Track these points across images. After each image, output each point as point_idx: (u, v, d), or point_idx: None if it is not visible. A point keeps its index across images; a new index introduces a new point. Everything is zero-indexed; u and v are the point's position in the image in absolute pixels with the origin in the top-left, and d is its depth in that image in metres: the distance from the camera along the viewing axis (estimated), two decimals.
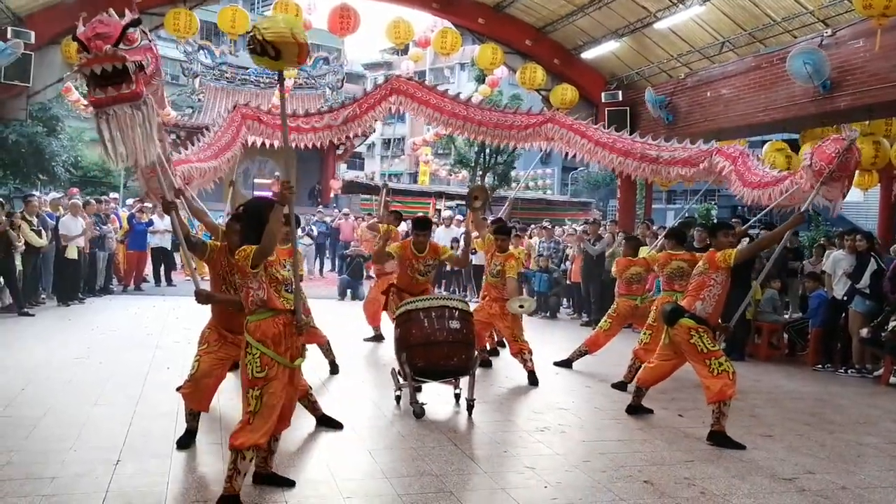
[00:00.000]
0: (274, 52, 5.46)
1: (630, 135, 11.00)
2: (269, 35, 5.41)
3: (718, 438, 6.86)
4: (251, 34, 5.61)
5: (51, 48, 14.93)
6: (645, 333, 9.07)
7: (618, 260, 9.84)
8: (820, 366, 11.09)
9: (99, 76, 5.64)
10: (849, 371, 10.72)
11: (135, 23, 5.86)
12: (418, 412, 7.32)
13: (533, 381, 9.10)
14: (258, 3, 52.02)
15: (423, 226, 9.09)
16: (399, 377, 7.74)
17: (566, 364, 10.22)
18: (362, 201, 29.78)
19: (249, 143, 11.03)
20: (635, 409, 7.88)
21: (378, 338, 11.57)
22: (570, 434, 7.06)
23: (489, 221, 11.26)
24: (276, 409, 4.91)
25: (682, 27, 15.18)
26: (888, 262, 10.81)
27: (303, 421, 7.01)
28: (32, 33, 14.21)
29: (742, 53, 14.66)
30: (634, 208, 20.31)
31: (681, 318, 7.11)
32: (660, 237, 10.62)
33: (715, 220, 22.16)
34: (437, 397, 7.84)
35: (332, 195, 33.57)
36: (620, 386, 9.05)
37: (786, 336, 12.08)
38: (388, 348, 10.50)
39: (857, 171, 8.35)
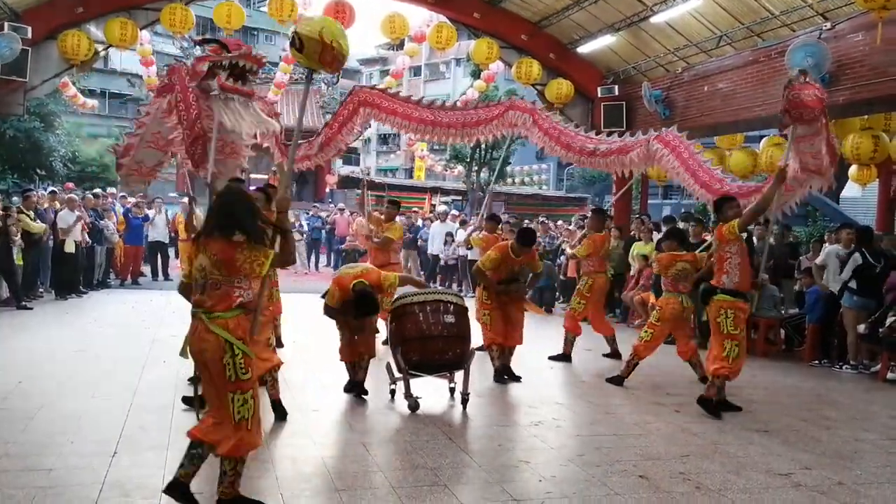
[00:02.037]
0: (299, 43, 6.04)
1: (626, 129, 11.08)
2: (301, 28, 6.08)
3: (705, 404, 7.61)
4: (294, 29, 6.36)
5: (47, 43, 14.88)
6: (647, 332, 9.02)
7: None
8: (817, 361, 11.09)
9: (233, 68, 7.01)
10: (845, 367, 10.71)
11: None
12: (412, 406, 7.32)
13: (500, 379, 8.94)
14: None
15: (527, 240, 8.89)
16: (393, 371, 7.74)
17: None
18: (357, 196, 29.76)
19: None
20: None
21: None
22: (565, 428, 7.06)
23: (483, 217, 11.51)
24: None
25: (679, 21, 15.13)
26: (886, 257, 10.78)
27: (295, 415, 7.01)
28: (29, 28, 14.16)
29: (740, 47, 14.62)
30: (630, 204, 20.27)
31: (714, 296, 7.62)
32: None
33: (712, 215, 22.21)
34: (432, 391, 7.82)
35: (327, 190, 33.54)
36: (616, 381, 9.03)
37: (782, 332, 12.08)
38: (380, 343, 10.48)
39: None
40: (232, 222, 4.51)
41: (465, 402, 7.51)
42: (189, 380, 7.25)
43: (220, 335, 4.46)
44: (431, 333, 7.39)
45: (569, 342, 10.64)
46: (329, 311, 7.65)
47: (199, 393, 4.83)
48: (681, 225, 13.48)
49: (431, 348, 7.41)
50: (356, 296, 7.29)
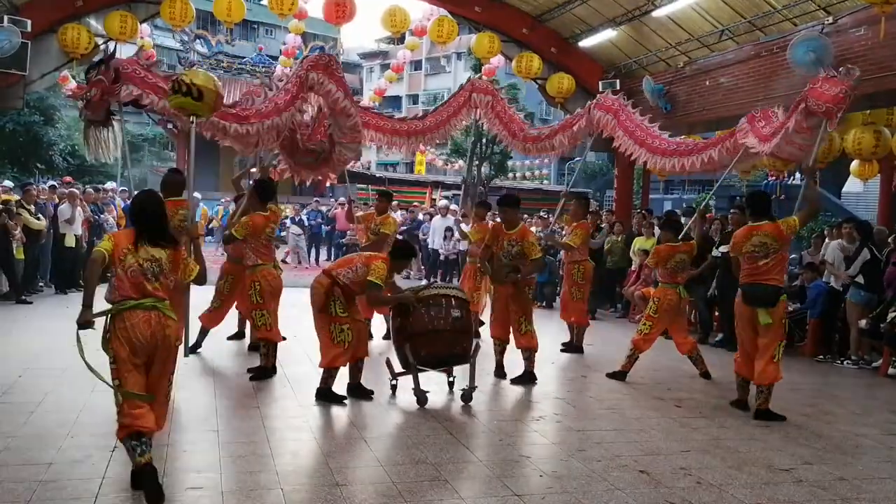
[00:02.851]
0: (198, 93, 7.34)
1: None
2: (196, 80, 7.35)
3: (765, 415, 7.38)
4: (177, 77, 7.51)
5: (47, 36, 14.82)
6: (645, 324, 9.00)
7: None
8: (818, 357, 11.08)
9: None
10: (846, 362, 10.69)
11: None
12: (422, 399, 7.35)
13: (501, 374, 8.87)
14: None
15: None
16: (394, 367, 7.73)
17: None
18: (359, 190, 29.75)
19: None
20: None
21: None
22: (566, 423, 7.05)
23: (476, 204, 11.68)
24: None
25: (681, 15, 15.08)
26: (887, 252, 10.77)
27: (296, 410, 7.01)
28: (29, 22, 14.10)
29: (741, 42, 14.58)
30: (631, 198, 20.24)
31: (781, 297, 7.48)
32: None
33: (713, 211, 22.16)
34: (433, 387, 7.81)
35: (327, 184, 33.45)
36: (618, 376, 9.01)
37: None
38: (380, 338, 10.47)
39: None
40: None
41: (469, 396, 7.52)
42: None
43: (175, 322, 5.04)
44: (440, 328, 7.39)
45: (580, 335, 10.68)
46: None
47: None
48: (682, 220, 13.46)
49: (441, 343, 7.43)
50: (399, 243, 7.80)
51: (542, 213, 20.36)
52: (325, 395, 7.31)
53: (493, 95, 11.29)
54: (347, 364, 7.47)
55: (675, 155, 10.35)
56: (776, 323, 7.43)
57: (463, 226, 13.68)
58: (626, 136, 10.71)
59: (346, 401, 7.31)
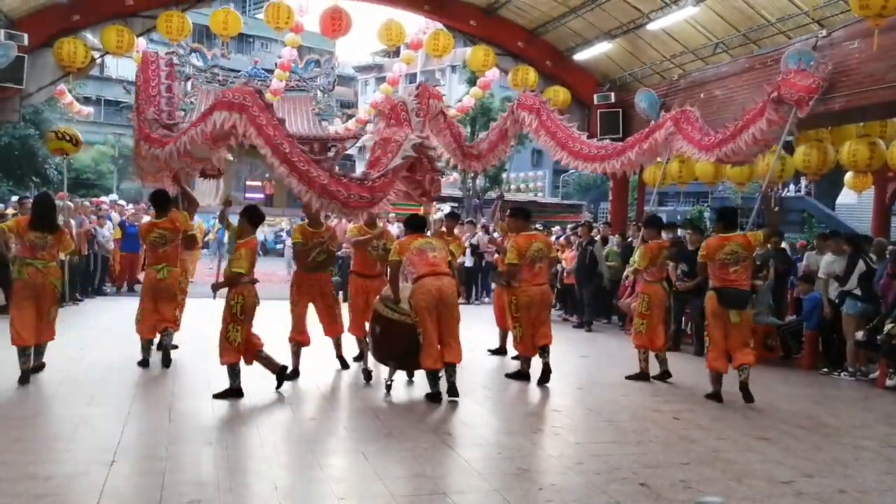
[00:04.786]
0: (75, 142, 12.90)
1: (622, 136, 11.38)
2: (70, 132, 12.82)
3: (746, 387, 8.38)
4: (55, 130, 11.70)
5: (44, 50, 14.85)
6: (641, 323, 9.48)
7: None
8: (815, 369, 11.07)
9: None
10: (843, 374, 10.68)
11: None
12: (388, 387, 8.14)
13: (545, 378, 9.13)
14: (249, 4, 51.97)
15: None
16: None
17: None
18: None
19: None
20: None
21: None
22: (564, 436, 7.04)
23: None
24: None
25: (676, 28, 15.16)
26: (883, 263, 10.78)
27: (293, 425, 6.99)
28: (25, 35, 14.14)
29: (736, 54, 14.65)
30: (627, 210, 20.28)
31: (749, 301, 8.64)
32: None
33: (708, 222, 22.22)
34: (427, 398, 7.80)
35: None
36: (641, 377, 9.53)
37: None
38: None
39: None
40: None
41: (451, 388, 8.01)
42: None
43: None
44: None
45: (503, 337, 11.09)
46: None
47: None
48: (679, 232, 13.50)
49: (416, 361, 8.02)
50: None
51: (537, 226, 20.36)
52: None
53: (438, 99, 11.01)
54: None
55: (596, 160, 11.02)
56: (745, 321, 8.48)
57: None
58: (548, 137, 11.10)
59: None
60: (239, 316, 7.72)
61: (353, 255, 10.35)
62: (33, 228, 8.12)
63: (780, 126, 9.73)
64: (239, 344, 7.74)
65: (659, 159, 12.10)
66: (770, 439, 7.10)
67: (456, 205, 34.30)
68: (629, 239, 15.16)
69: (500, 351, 11.06)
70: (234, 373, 7.76)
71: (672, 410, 8.11)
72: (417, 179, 9.64)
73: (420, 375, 8.39)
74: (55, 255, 8.35)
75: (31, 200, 15.64)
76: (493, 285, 12.24)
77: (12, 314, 8.06)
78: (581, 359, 10.77)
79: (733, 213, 9.12)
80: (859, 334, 10.26)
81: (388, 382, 8.08)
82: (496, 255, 12.79)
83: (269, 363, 8.02)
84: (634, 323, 9.69)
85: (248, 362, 7.92)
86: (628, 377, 9.57)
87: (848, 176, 15.30)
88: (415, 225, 8.53)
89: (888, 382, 9.95)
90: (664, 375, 9.64)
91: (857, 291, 10.56)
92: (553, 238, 17.01)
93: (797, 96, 9.37)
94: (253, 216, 8.11)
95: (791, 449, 6.79)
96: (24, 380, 7.89)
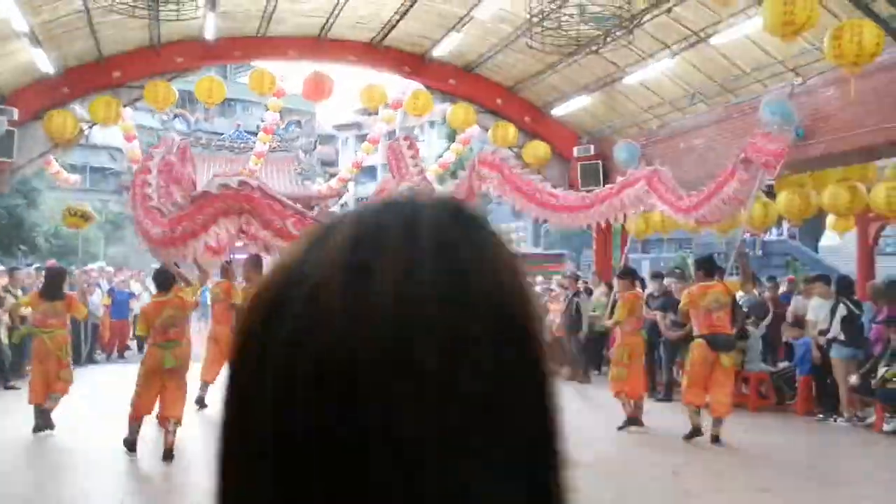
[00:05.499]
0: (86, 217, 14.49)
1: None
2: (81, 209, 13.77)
3: (718, 440, 8.60)
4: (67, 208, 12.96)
5: (33, 123, 14.89)
6: (621, 370, 9.67)
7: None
8: (811, 414, 11.00)
9: None
10: (839, 419, 10.59)
11: None
12: None
13: None
14: (230, 72, 52.36)
15: None
16: None
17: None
18: None
19: None
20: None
21: None
22: None
23: None
24: None
25: (652, 81, 15.34)
26: (868, 307, 10.85)
27: None
28: (15, 110, 14.24)
29: (713, 104, 14.84)
30: (611, 259, 20.33)
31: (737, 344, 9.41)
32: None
33: (692, 269, 22.28)
34: None
35: None
36: (631, 422, 9.56)
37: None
38: None
39: None
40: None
41: None
42: None
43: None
44: None
45: None
46: None
47: None
48: (666, 281, 13.55)
49: None
50: None
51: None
52: None
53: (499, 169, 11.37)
54: None
55: (564, 210, 11.38)
56: (732, 366, 9.05)
57: None
58: (514, 191, 11.30)
59: None
60: None
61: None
62: (45, 299, 9.20)
63: (751, 185, 10.05)
64: None
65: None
66: (772, 491, 7.04)
67: None
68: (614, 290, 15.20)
69: None
70: None
71: (671, 464, 8.04)
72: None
73: None
74: (65, 322, 9.48)
75: (21, 270, 15.79)
76: None
77: (31, 375, 9.56)
78: (573, 413, 10.66)
79: (711, 261, 9.77)
80: (853, 378, 10.22)
81: None
82: None
83: None
84: (614, 372, 9.90)
85: None
86: (620, 427, 9.61)
87: (830, 218, 15.46)
88: None
89: (885, 427, 9.90)
90: (637, 422, 9.74)
91: (841, 336, 10.56)
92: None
93: (764, 159, 9.70)
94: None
95: (794, 502, 6.76)
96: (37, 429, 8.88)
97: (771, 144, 9.71)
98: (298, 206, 8.99)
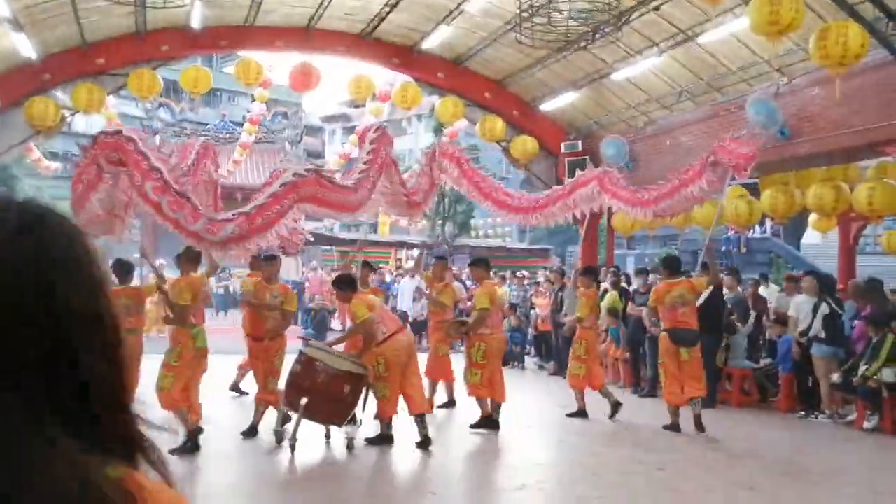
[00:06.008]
0: None
1: None
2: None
3: (700, 420, 9.06)
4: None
5: (14, 110, 14.74)
6: (581, 367, 9.89)
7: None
8: (793, 411, 11.06)
9: None
10: (821, 416, 10.66)
11: None
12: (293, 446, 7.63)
13: None
14: (216, 61, 52.08)
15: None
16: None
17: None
18: (323, 252, 29.75)
19: None
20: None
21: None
22: (549, 491, 7.00)
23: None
24: None
25: (640, 77, 15.38)
26: (850, 306, 10.92)
27: (262, 489, 6.91)
28: None
29: (700, 102, 14.91)
30: (597, 254, 20.37)
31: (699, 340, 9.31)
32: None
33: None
34: (418, 455, 7.74)
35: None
36: (579, 414, 9.87)
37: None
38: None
39: None
40: None
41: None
42: None
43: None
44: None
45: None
46: None
47: None
48: (650, 277, 13.57)
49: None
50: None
51: (519, 273, 20.56)
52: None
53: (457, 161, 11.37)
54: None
55: (519, 211, 11.73)
56: (694, 359, 9.21)
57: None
58: (471, 187, 11.55)
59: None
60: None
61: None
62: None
63: (717, 187, 10.19)
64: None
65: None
66: (756, 489, 7.07)
67: (425, 252, 34.30)
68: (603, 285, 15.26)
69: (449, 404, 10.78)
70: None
71: (656, 461, 8.04)
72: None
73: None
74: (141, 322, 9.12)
75: None
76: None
77: None
78: (559, 409, 10.69)
79: (676, 260, 10.35)
80: (834, 376, 10.30)
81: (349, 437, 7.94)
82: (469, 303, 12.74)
83: None
84: (572, 366, 10.08)
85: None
86: (569, 415, 9.98)
87: (812, 217, 15.54)
88: (348, 283, 8.32)
89: (866, 424, 9.97)
90: (616, 407, 9.99)
91: (822, 335, 10.61)
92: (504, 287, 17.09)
93: (735, 162, 9.74)
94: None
95: (779, 498, 6.80)
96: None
97: (742, 148, 9.78)
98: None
